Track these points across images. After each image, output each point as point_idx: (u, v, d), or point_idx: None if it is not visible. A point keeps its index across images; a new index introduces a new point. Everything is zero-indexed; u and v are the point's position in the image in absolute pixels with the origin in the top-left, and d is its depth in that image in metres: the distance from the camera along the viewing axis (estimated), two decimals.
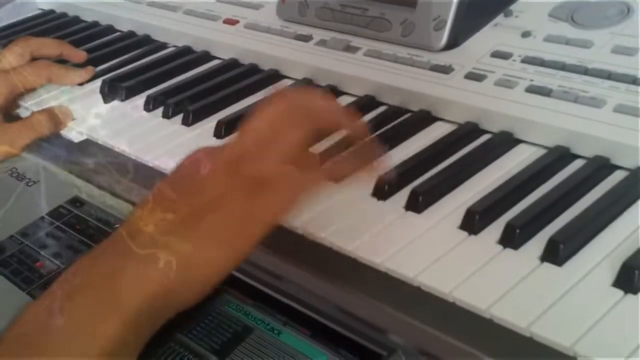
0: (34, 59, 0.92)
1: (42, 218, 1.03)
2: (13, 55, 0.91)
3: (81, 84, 0.92)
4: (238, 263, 0.52)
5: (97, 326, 0.47)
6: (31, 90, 0.91)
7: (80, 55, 0.97)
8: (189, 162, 0.55)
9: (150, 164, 0.73)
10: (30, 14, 1.20)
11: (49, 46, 0.95)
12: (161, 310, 0.50)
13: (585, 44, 0.70)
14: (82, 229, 0.99)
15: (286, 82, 0.85)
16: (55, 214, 1.03)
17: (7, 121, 0.86)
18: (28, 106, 0.89)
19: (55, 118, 0.85)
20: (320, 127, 0.58)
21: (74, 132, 0.83)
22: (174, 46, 0.99)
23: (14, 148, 0.85)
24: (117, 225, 0.95)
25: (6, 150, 0.85)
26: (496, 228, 0.56)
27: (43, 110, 0.86)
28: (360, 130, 0.61)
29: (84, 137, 0.82)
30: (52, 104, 0.88)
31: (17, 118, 0.89)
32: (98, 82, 0.91)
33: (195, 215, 0.50)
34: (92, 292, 0.49)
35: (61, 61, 0.96)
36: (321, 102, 0.58)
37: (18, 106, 0.90)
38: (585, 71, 0.68)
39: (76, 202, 1.04)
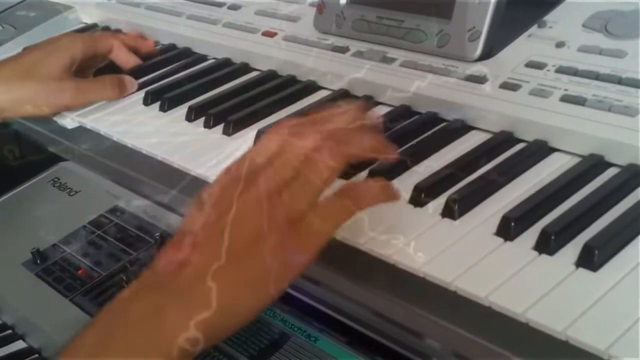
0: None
1: (84, 227, 1.06)
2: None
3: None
4: (280, 295, 0.53)
5: None
6: (99, 55, 1.00)
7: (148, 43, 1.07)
8: (222, 189, 0.55)
9: (193, 173, 0.75)
10: (73, 28, 1.23)
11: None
12: (200, 345, 0.50)
13: (619, 54, 0.71)
14: (122, 238, 1.01)
15: (323, 93, 0.87)
16: (96, 222, 1.06)
17: None
18: (73, 117, 0.92)
19: (123, 84, 0.94)
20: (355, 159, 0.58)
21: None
22: (214, 58, 1.01)
23: (77, 100, 0.91)
24: (152, 237, 0.97)
25: (69, 100, 0.91)
26: (531, 234, 0.57)
27: (114, 76, 0.95)
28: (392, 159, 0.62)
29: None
30: (97, 115, 0.91)
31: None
32: (141, 94, 0.93)
33: (235, 252, 0.51)
34: (134, 331, 0.50)
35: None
36: (362, 138, 0.58)
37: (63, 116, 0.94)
38: (619, 80, 0.68)
39: (117, 211, 1.07)
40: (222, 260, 0.51)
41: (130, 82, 0.95)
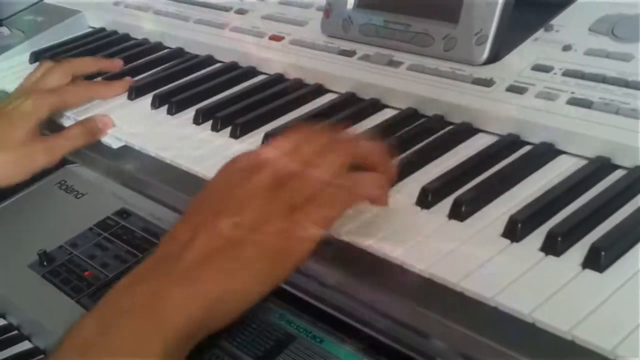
0: (74, 78, 0.96)
1: (91, 229, 1.06)
2: (55, 77, 0.95)
3: (132, 99, 0.96)
4: (279, 284, 0.54)
5: (141, 347, 0.49)
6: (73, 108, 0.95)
7: (116, 64, 1.02)
8: (226, 178, 0.57)
9: (200, 175, 0.75)
10: (81, 32, 1.24)
11: (87, 64, 0.99)
12: (200, 331, 0.51)
13: (625, 57, 0.71)
14: (128, 240, 1.02)
15: (330, 96, 0.87)
16: (103, 225, 1.06)
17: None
18: (69, 115, 0.93)
19: (92, 127, 0.89)
20: (356, 161, 0.58)
21: (113, 139, 0.87)
22: (221, 62, 1.01)
23: (51, 159, 0.88)
24: (158, 239, 0.97)
25: (43, 162, 0.88)
26: (538, 236, 0.57)
27: (81, 121, 0.90)
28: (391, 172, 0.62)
29: (122, 143, 0.86)
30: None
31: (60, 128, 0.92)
32: (149, 97, 0.94)
33: (237, 242, 0.52)
34: (137, 314, 0.50)
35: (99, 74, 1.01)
36: (362, 141, 0.60)
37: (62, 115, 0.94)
38: (625, 84, 0.69)
39: (123, 213, 1.07)
40: (223, 246, 0.52)
41: (103, 122, 0.89)
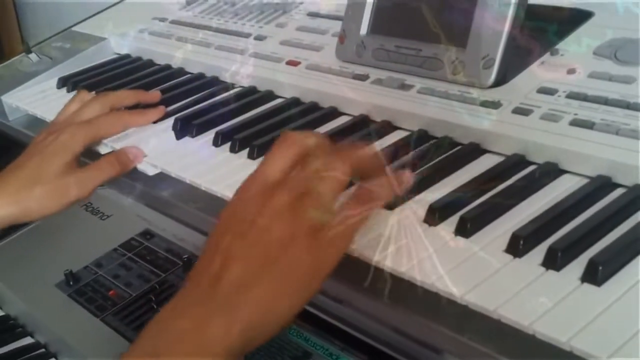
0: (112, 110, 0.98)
1: (115, 250, 1.09)
2: (92, 111, 0.95)
3: (155, 122, 0.98)
4: (311, 298, 0.56)
5: None
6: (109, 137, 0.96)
7: (154, 95, 1.03)
8: (243, 205, 0.59)
9: (219, 195, 0.78)
10: (107, 58, 1.27)
11: (126, 97, 1.01)
12: (239, 354, 0.53)
13: (628, 80, 0.73)
14: (152, 260, 1.05)
15: (344, 118, 0.90)
16: (127, 245, 1.09)
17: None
18: (106, 142, 0.95)
19: (123, 159, 0.90)
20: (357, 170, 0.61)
21: (149, 166, 0.89)
22: (241, 86, 1.04)
23: (84, 191, 0.89)
24: (181, 259, 1.00)
25: (76, 194, 0.89)
26: (539, 252, 0.59)
27: (111, 153, 0.91)
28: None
29: (158, 170, 0.88)
30: (128, 140, 0.94)
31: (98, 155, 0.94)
32: (171, 121, 0.96)
33: (269, 265, 0.54)
34: (179, 346, 0.52)
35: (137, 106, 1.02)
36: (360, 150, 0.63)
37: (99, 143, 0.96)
38: (627, 105, 0.70)
39: (147, 234, 1.10)
40: (256, 270, 0.54)
41: (134, 153, 0.91)
